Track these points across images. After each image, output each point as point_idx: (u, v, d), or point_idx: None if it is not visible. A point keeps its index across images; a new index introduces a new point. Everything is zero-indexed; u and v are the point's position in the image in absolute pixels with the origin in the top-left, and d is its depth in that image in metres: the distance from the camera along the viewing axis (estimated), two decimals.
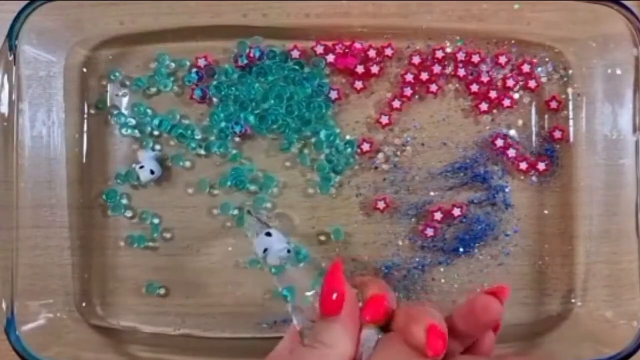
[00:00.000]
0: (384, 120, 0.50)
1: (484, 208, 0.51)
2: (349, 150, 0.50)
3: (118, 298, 0.51)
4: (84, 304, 0.51)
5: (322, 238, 0.51)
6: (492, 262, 0.51)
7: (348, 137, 0.51)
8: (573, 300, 0.51)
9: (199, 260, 0.51)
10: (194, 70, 0.50)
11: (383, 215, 0.51)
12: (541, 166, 0.50)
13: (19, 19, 0.45)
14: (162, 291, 0.51)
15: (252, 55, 0.50)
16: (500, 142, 0.50)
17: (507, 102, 0.50)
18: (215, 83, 0.50)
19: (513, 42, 0.51)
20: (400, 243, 0.51)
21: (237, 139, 0.51)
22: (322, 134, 0.50)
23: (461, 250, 0.51)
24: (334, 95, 0.50)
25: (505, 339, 0.50)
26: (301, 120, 0.50)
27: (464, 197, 0.51)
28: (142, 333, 0.51)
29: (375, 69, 0.50)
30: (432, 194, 0.51)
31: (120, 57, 0.51)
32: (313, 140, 0.50)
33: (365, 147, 0.50)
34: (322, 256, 0.50)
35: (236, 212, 0.50)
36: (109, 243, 0.51)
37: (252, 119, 0.50)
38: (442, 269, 0.51)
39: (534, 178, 0.51)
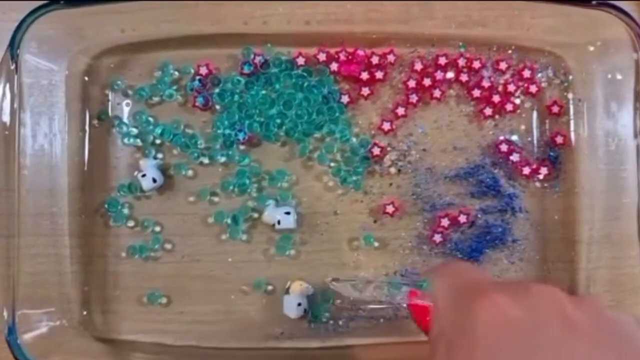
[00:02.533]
0: (386, 126, 0.50)
1: (492, 214, 0.51)
2: (362, 149, 0.50)
3: (119, 306, 0.51)
4: (84, 312, 0.50)
5: (356, 243, 0.51)
6: (511, 267, 0.51)
7: (355, 139, 0.51)
8: None
9: (201, 268, 0.51)
10: (197, 77, 0.50)
11: (392, 219, 0.51)
12: (543, 171, 0.50)
13: (21, 27, 0.45)
14: (164, 300, 0.50)
15: (256, 62, 0.50)
16: (504, 147, 0.50)
17: (509, 107, 0.50)
18: (217, 90, 0.50)
19: (513, 47, 0.51)
20: (412, 247, 0.51)
21: (242, 147, 0.51)
22: (337, 133, 0.50)
23: (472, 255, 0.51)
24: (345, 99, 0.50)
25: None
26: (311, 124, 0.50)
27: (470, 202, 0.51)
28: (143, 342, 0.50)
29: (379, 74, 0.50)
30: (438, 199, 0.51)
31: (121, 65, 0.51)
32: (327, 139, 0.51)
33: (376, 150, 0.50)
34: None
35: (229, 220, 0.50)
36: (110, 251, 0.51)
37: (256, 126, 0.50)
38: None
39: (536, 183, 0.51)
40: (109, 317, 0.51)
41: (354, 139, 0.51)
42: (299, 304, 0.49)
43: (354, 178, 0.50)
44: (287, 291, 0.50)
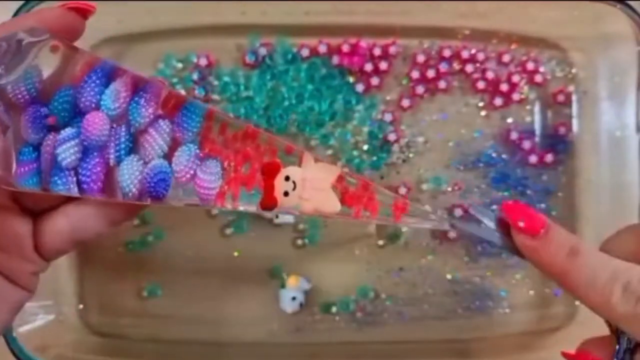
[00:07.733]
0: (388, 117, 0.50)
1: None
2: (379, 137, 0.50)
3: (117, 300, 0.50)
4: (81, 306, 0.50)
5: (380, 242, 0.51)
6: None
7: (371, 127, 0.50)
8: (577, 301, 0.50)
9: (199, 262, 0.50)
10: (197, 69, 0.50)
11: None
12: (546, 161, 0.50)
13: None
14: (161, 293, 0.50)
15: (259, 53, 0.50)
16: (514, 135, 0.50)
17: (516, 97, 0.50)
18: (218, 82, 0.50)
19: (517, 39, 0.50)
20: (422, 239, 0.51)
21: None
22: (356, 120, 0.50)
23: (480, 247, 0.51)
24: (360, 88, 0.50)
25: (509, 340, 0.50)
26: (324, 115, 0.50)
27: (483, 192, 0.51)
28: (142, 336, 0.50)
29: (383, 66, 0.50)
30: (447, 188, 0.51)
31: (119, 57, 0.50)
32: (338, 130, 0.50)
33: (392, 137, 0.50)
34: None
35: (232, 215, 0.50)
36: (108, 243, 0.50)
37: (264, 120, 0.50)
38: (462, 267, 0.51)
39: (543, 177, 0.51)
40: (106, 310, 0.50)
41: (372, 128, 0.50)
42: (294, 298, 0.49)
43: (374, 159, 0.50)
44: (283, 285, 0.50)
